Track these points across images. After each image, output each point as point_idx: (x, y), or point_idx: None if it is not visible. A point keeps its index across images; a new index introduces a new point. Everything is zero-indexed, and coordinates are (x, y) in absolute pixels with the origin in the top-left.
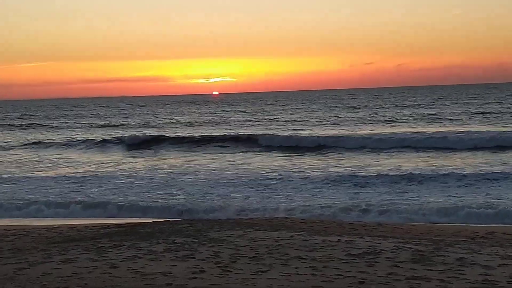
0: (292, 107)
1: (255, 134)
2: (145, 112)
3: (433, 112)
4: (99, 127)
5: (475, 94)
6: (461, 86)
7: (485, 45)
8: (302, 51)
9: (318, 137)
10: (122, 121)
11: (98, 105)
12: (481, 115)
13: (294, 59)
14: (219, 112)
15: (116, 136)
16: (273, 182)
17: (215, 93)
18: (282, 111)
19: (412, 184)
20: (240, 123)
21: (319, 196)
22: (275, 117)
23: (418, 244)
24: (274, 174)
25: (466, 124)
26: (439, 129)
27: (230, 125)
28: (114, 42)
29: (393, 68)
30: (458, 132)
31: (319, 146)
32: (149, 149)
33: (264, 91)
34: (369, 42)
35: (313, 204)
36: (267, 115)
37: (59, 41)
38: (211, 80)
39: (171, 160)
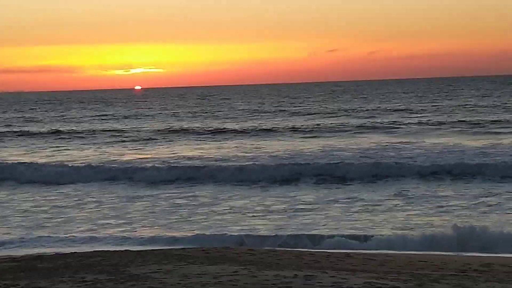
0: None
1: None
2: None
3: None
4: None
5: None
6: (457, 79)
7: (484, 30)
8: (251, 35)
9: None
10: None
11: None
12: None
13: (240, 45)
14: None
15: None
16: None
17: (138, 87)
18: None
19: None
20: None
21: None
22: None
23: (396, 279)
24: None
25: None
26: None
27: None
28: (4, 21)
29: (364, 57)
30: None
31: None
32: None
33: (202, 85)
34: (333, 24)
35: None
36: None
37: None
38: (132, 71)
39: None
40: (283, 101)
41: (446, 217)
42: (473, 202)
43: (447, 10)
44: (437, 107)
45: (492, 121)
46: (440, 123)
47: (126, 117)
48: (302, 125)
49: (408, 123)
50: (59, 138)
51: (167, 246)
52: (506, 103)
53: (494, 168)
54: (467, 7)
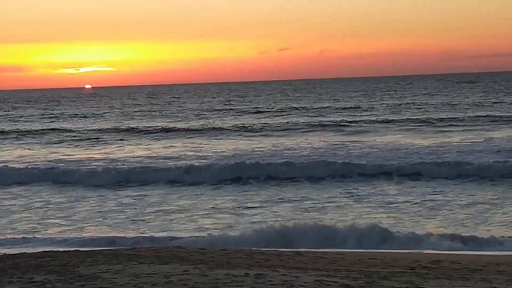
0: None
1: None
2: None
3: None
4: None
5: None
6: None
7: (432, 29)
8: (201, 34)
9: None
10: None
11: None
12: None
13: (191, 44)
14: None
15: None
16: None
17: (88, 86)
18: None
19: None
20: None
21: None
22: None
23: (346, 277)
24: None
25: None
26: None
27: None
28: None
29: (315, 55)
30: None
31: None
32: None
33: (152, 83)
34: (284, 23)
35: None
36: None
37: None
38: (82, 70)
39: None
40: (234, 100)
41: (373, 214)
42: (416, 201)
43: (395, 10)
44: (386, 105)
45: (440, 118)
46: (390, 121)
47: (74, 116)
48: (251, 124)
49: (359, 120)
50: (4, 138)
51: (117, 246)
52: (453, 101)
53: (441, 167)
54: (415, 7)
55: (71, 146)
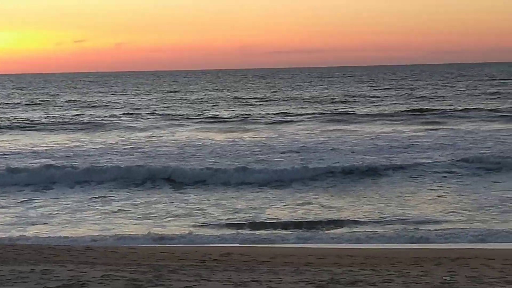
0: None
1: None
2: None
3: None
4: None
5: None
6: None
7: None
8: None
9: None
10: None
11: None
12: None
13: None
14: None
15: None
16: None
17: None
18: None
19: None
20: None
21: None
22: None
23: (135, 271)
24: None
25: None
26: None
27: None
28: None
29: (111, 48)
30: None
31: None
32: None
33: None
34: (80, 14)
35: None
36: None
37: None
38: None
39: None
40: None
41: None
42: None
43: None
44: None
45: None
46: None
47: None
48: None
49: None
50: None
51: None
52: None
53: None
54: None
55: None
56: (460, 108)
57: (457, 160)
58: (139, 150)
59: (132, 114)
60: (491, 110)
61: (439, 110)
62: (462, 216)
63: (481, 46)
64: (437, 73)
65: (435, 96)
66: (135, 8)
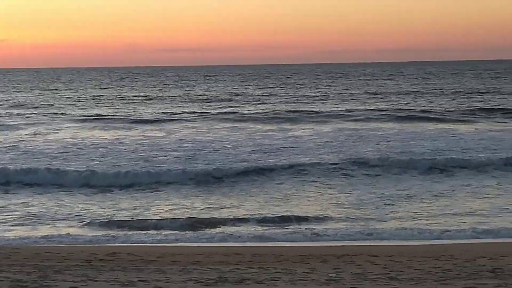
0: None
1: None
2: None
3: None
4: None
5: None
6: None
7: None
8: None
9: None
10: None
11: None
12: None
13: None
14: None
15: None
16: None
17: None
18: None
19: None
20: None
21: None
22: None
23: (19, 272)
24: None
25: None
26: None
27: None
28: None
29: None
30: None
31: None
32: None
33: None
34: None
35: None
36: None
37: None
38: None
39: None
40: None
41: None
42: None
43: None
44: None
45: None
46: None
47: None
48: None
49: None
50: None
51: None
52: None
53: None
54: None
55: None
56: (344, 108)
57: (343, 159)
58: (21, 149)
59: (12, 113)
60: (373, 109)
61: (324, 111)
62: (346, 214)
63: (362, 47)
64: (323, 72)
65: (319, 95)
66: (17, 4)
